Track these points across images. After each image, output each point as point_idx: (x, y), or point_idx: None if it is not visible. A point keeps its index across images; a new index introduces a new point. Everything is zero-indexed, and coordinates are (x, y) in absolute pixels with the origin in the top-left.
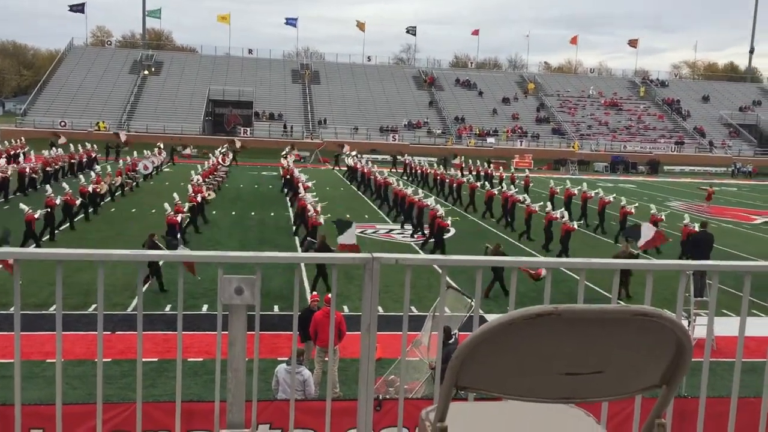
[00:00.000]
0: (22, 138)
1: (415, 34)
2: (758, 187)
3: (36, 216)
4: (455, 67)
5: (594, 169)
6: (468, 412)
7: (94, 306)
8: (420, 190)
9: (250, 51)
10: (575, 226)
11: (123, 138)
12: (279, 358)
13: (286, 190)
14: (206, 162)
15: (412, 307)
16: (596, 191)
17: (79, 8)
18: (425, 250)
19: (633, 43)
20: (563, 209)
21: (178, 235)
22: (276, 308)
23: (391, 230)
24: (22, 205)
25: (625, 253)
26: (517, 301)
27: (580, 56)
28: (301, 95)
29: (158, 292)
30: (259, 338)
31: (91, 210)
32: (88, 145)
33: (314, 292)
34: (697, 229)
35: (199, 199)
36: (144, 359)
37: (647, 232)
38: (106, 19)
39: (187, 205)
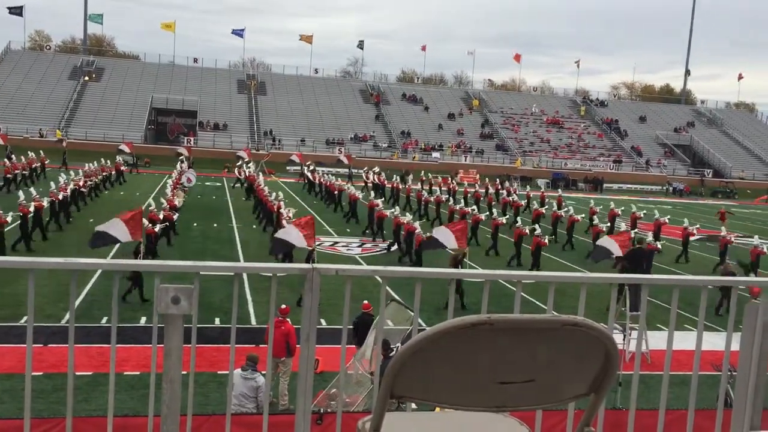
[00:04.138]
0: None
1: (362, 48)
2: (691, 205)
3: (156, 229)
4: (402, 81)
5: (536, 185)
6: (404, 422)
7: (25, 318)
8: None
9: (195, 60)
10: (659, 246)
11: (128, 150)
12: (219, 372)
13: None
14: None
15: None
16: (645, 211)
17: (17, 11)
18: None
19: (578, 62)
20: (636, 229)
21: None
22: (217, 321)
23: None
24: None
25: (727, 270)
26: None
27: (524, 75)
28: (246, 106)
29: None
30: (195, 349)
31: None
32: (117, 160)
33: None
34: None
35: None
36: (78, 373)
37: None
38: (45, 23)
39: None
